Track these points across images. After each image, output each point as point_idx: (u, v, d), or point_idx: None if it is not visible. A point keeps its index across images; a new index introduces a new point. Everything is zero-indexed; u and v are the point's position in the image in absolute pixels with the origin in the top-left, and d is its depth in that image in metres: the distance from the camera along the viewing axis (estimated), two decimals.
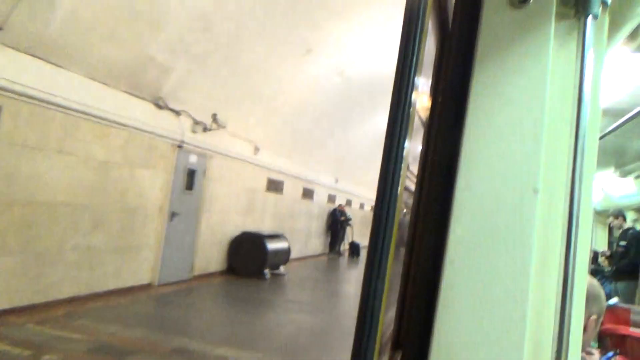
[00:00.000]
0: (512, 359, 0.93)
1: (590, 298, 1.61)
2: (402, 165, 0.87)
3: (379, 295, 0.87)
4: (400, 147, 0.87)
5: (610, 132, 2.84)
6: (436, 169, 1.12)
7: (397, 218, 0.94)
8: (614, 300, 3.19)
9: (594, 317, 1.61)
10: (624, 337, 2.93)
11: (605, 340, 3.01)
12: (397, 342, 1.40)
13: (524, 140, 0.97)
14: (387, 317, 1.30)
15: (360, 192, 20.32)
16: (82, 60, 5.65)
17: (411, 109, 0.89)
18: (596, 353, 1.99)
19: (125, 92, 6.48)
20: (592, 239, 7.70)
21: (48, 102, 5.34)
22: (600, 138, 3.00)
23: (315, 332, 6.13)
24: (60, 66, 5.45)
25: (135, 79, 6.49)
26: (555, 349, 0.92)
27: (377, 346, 0.90)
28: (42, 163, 5.37)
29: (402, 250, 1.34)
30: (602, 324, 3.12)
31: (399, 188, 0.86)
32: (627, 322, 3.01)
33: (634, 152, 6.09)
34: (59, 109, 5.50)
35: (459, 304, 0.97)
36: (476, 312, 0.96)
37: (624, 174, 6.99)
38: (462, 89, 1.04)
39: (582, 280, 0.97)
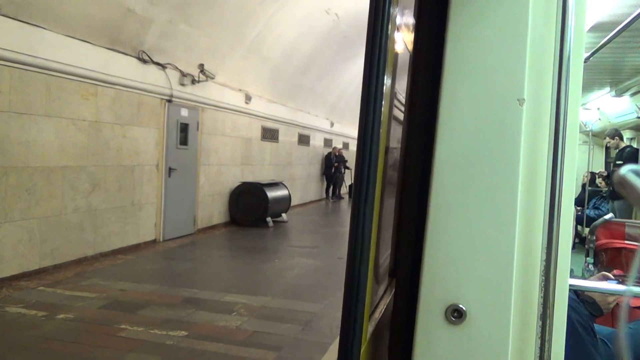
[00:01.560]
0: (502, 272, 0.93)
1: None
2: (382, 98, 0.84)
3: (368, 221, 0.86)
4: (379, 79, 0.83)
5: (602, 46, 2.76)
6: (419, 91, 1.08)
7: (382, 146, 0.92)
8: (608, 216, 3.23)
9: None
10: (619, 250, 3.00)
11: (600, 255, 3.07)
12: (394, 272, 1.42)
13: (507, 50, 0.93)
14: (383, 248, 1.30)
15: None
16: (58, 18, 5.44)
17: (388, 40, 0.84)
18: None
19: (107, 48, 6.28)
20: (590, 161, 7.73)
21: (28, 64, 5.19)
22: (593, 54, 2.93)
23: (319, 273, 6.28)
24: (36, 25, 5.25)
25: (115, 33, 6.28)
26: (544, 257, 0.93)
27: (370, 270, 0.90)
28: (30, 128, 5.29)
29: (395, 189, 1.33)
30: (597, 239, 3.19)
31: (381, 117, 0.84)
32: (622, 236, 3.07)
33: (630, 68, 5.98)
34: (41, 70, 5.36)
35: (448, 224, 0.96)
36: (465, 231, 0.95)
37: (620, 93, 6.90)
38: (444, 3, 0.99)
39: (570, 192, 0.96)
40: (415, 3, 1.16)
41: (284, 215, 10.56)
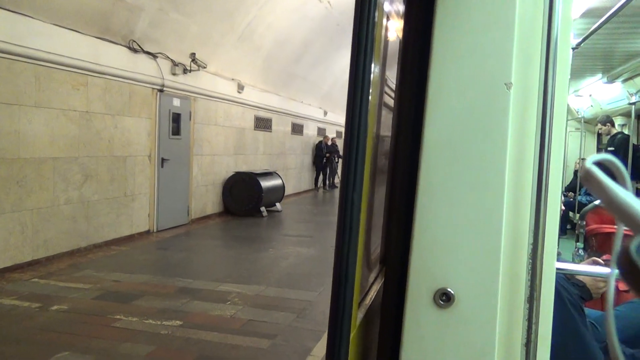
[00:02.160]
0: (489, 255, 0.94)
1: None
2: (370, 85, 0.83)
3: (357, 208, 0.85)
4: (366, 66, 0.83)
5: (593, 32, 2.76)
6: (409, 77, 1.08)
7: (371, 133, 0.92)
8: (598, 201, 3.25)
9: None
10: (608, 235, 3.02)
11: (590, 240, 3.10)
12: (385, 258, 1.43)
13: (495, 33, 0.93)
14: (373, 235, 1.31)
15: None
16: (47, 7, 5.36)
17: (375, 27, 0.84)
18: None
19: (97, 37, 6.21)
20: (582, 148, 7.77)
21: (17, 54, 5.12)
22: (583, 40, 2.93)
23: (313, 261, 6.31)
24: (24, 14, 5.17)
25: (105, 22, 6.20)
26: (531, 241, 0.93)
27: (359, 258, 0.90)
28: (20, 119, 5.23)
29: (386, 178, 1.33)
30: (587, 224, 3.22)
31: (368, 104, 0.83)
32: (612, 221, 3.09)
33: (621, 54, 5.99)
34: (30, 60, 5.29)
35: (436, 209, 0.97)
36: (453, 216, 0.96)
37: (611, 79, 6.92)
38: None
39: (558, 175, 0.97)
40: None
41: (278, 204, 10.56)
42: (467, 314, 0.95)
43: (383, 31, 1.07)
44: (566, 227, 7.43)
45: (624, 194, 0.34)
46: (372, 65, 0.83)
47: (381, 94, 1.42)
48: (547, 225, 0.93)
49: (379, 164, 1.40)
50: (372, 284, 1.28)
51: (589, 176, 0.37)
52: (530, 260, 0.94)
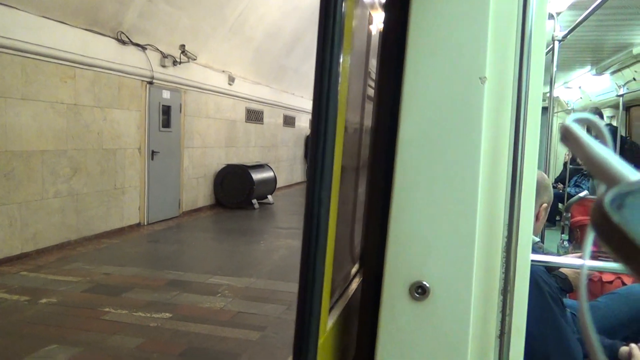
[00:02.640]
0: (464, 248, 0.95)
1: (542, 189, 1.68)
2: (338, 75, 0.81)
3: (325, 206, 0.83)
4: (333, 56, 0.80)
5: (578, 24, 2.77)
6: (387, 70, 1.08)
7: (341, 126, 0.91)
8: (583, 193, 3.30)
9: (544, 205, 1.70)
10: None
11: (575, 232, 3.14)
12: (363, 255, 1.43)
13: (470, 27, 0.93)
14: (348, 232, 1.31)
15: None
16: None
17: (344, 16, 0.82)
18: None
19: (85, 29, 6.13)
20: None
21: (3, 47, 5.05)
22: (570, 32, 2.94)
23: None
24: (9, 6, 5.09)
25: (93, 14, 6.13)
26: (506, 234, 0.95)
27: (328, 259, 0.89)
28: (7, 112, 5.18)
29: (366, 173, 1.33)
30: (572, 216, 3.25)
31: (337, 95, 0.81)
32: None
33: (610, 46, 6.02)
34: (16, 52, 5.22)
35: (412, 202, 0.97)
36: (428, 209, 0.97)
37: (600, 71, 6.96)
38: None
39: (532, 169, 0.97)
40: None
41: (269, 197, 10.56)
42: (442, 307, 0.96)
43: (359, 22, 1.07)
44: (555, 218, 7.49)
45: (600, 149, 0.35)
46: (340, 54, 0.81)
47: (364, 87, 1.42)
48: (522, 219, 0.95)
49: (361, 158, 1.39)
50: (350, 282, 1.28)
51: (567, 133, 0.37)
52: (505, 254, 0.96)
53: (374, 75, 1.37)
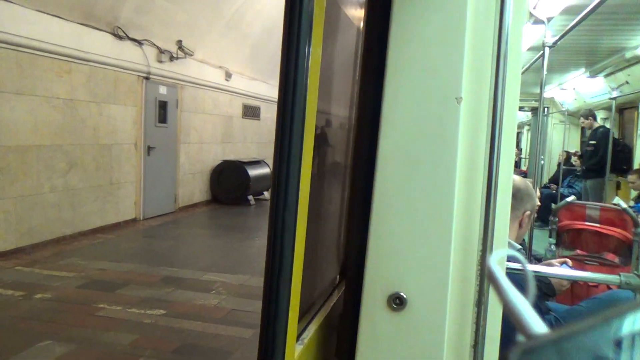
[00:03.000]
0: (440, 261, 0.99)
1: (525, 196, 1.71)
2: (304, 70, 0.78)
3: (289, 228, 0.82)
4: (300, 46, 0.78)
5: (569, 31, 2.80)
6: (368, 89, 1.11)
7: (309, 134, 0.88)
8: (570, 198, 3.34)
9: (527, 212, 1.73)
10: (580, 231, 3.12)
11: (562, 236, 3.19)
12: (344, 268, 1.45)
13: (446, 49, 0.96)
14: (323, 250, 1.33)
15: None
16: None
17: (312, 15, 0.79)
18: (555, 263, 2.12)
19: (81, 23, 6.13)
20: (565, 140, 7.87)
21: None
22: (561, 38, 2.98)
23: None
24: (4, 0, 5.09)
25: (88, 8, 6.12)
26: (480, 247, 0.98)
27: (294, 287, 0.86)
28: (2, 106, 5.18)
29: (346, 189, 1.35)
30: (559, 220, 3.30)
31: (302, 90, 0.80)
32: (583, 218, 3.18)
33: (604, 49, 6.06)
34: (10, 46, 5.22)
35: (390, 217, 1.01)
36: (406, 223, 1.00)
37: (594, 74, 7.01)
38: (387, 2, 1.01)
39: (507, 181, 1.01)
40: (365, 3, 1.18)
41: (265, 193, 10.59)
42: (419, 317, 1.00)
43: (337, 24, 1.09)
44: (548, 218, 7.54)
45: (517, 298, 0.37)
46: (307, 51, 0.79)
47: (351, 90, 1.45)
48: (496, 232, 0.98)
49: (336, 170, 1.40)
50: (333, 293, 1.31)
51: (490, 275, 0.40)
52: (479, 267, 0.99)
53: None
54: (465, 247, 1.00)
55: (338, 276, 1.44)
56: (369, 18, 1.15)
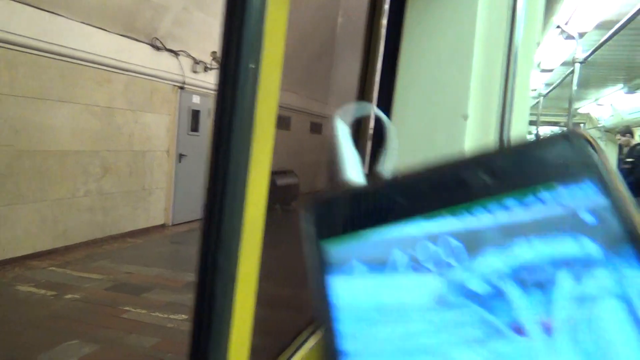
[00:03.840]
0: None
1: None
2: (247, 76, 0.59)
3: (222, 277, 0.60)
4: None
5: (601, 45, 2.75)
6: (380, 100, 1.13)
7: (266, 147, 0.68)
8: None
9: None
10: None
11: None
12: None
13: (454, 68, 0.98)
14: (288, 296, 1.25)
15: None
16: (74, 5, 5.54)
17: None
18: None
19: (122, 35, 6.38)
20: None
21: (44, 50, 5.31)
22: (592, 53, 2.92)
23: None
24: (51, 12, 5.36)
25: (130, 21, 6.37)
26: None
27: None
28: (45, 113, 5.43)
29: None
30: None
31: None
32: None
33: None
34: (56, 56, 5.48)
35: None
36: None
37: (633, 89, 6.79)
38: (398, 21, 1.04)
39: None
40: (367, 12, 1.20)
41: (292, 203, 10.65)
42: None
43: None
44: None
45: (349, 150, 0.38)
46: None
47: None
48: None
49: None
50: (303, 344, 1.19)
51: (334, 127, 0.41)
52: None
53: None
54: None
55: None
56: (387, 37, 1.17)
